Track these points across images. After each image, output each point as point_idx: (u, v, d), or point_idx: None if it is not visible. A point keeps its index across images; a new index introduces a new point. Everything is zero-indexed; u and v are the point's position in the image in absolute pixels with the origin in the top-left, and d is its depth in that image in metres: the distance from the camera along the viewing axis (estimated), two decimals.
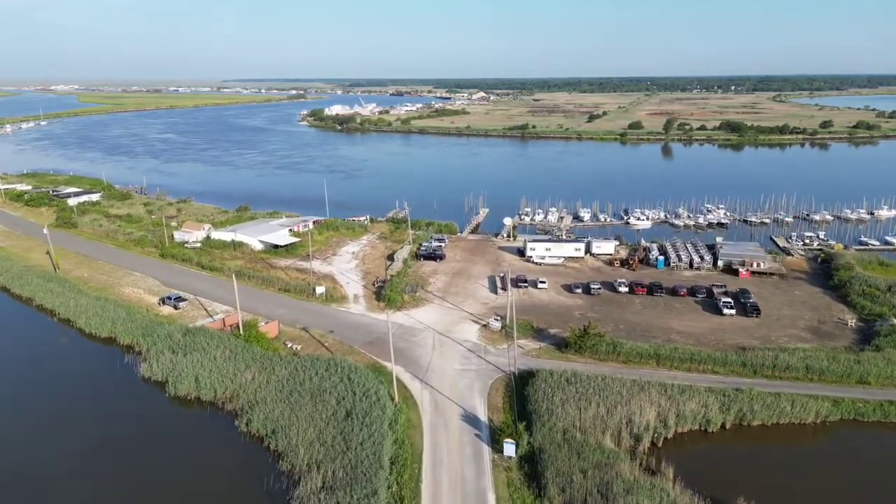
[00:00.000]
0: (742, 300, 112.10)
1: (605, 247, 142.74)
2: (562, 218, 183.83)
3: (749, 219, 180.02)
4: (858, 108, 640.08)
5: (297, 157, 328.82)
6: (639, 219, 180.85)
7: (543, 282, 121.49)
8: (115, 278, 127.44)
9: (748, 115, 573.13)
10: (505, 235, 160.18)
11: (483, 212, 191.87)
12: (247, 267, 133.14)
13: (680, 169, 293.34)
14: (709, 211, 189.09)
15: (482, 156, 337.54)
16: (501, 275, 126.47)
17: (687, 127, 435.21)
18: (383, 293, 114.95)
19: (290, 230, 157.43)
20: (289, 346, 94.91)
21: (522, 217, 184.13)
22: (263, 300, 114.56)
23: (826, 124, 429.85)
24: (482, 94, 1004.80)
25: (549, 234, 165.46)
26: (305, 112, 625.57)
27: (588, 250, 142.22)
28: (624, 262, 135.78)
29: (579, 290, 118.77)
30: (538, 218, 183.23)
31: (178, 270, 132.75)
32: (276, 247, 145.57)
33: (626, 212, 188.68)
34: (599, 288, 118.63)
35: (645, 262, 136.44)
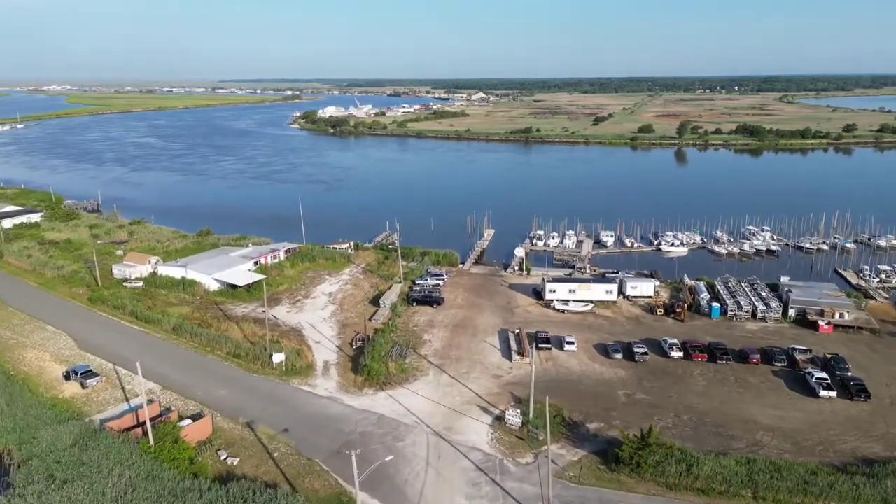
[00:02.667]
0: (838, 373, 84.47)
1: (643, 287, 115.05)
2: (581, 242, 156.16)
3: (803, 244, 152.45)
4: (873, 110, 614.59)
5: (277, 164, 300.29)
6: (672, 245, 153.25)
7: (571, 342, 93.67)
8: (22, 335, 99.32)
9: (759, 116, 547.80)
10: (516, 268, 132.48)
11: (488, 234, 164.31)
12: (193, 317, 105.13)
13: (702, 178, 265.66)
14: (752, 234, 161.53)
15: (484, 163, 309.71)
16: (516, 330, 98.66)
17: (701, 130, 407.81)
18: (362, 361, 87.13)
19: (256, 262, 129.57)
20: (222, 457, 67.05)
21: (535, 242, 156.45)
22: (203, 372, 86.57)
23: (850, 128, 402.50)
24: (481, 94, 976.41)
25: (567, 264, 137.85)
26: (298, 114, 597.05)
27: (621, 291, 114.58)
28: (669, 310, 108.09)
29: (619, 355, 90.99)
30: (553, 242, 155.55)
31: (105, 323, 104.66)
32: (235, 287, 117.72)
33: (655, 235, 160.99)
34: (645, 353, 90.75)
35: (695, 309, 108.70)
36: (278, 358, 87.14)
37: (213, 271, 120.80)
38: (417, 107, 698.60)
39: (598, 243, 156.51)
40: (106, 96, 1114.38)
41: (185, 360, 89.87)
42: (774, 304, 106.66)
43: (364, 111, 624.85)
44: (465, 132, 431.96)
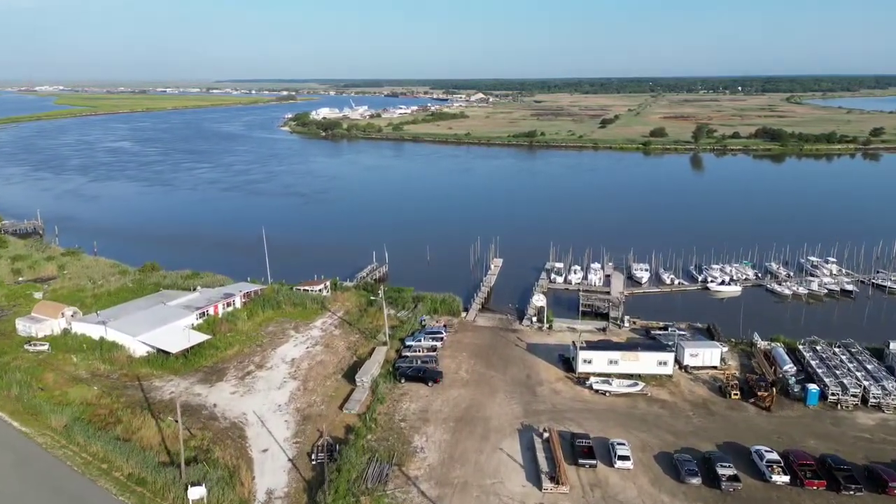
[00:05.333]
0: None
1: (706, 355, 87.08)
2: (609, 278, 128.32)
3: (882, 283, 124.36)
4: (890, 112, 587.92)
5: (255, 172, 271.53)
6: (722, 282, 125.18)
7: (625, 456, 65.40)
8: None
9: (772, 118, 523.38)
10: (534, 320, 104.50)
11: (495, 265, 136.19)
12: (99, 405, 76.85)
13: (732, 190, 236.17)
14: (814, 266, 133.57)
15: (487, 172, 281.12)
16: (545, 433, 70.40)
17: (717, 134, 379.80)
18: (321, 497, 58.98)
19: (203, 314, 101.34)
20: None
21: (553, 277, 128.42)
22: None
23: (877, 132, 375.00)
24: (480, 95, 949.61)
25: (597, 310, 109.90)
26: (289, 116, 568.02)
27: (678, 361, 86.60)
28: (748, 391, 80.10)
29: (695, 479, 62.70)
30: (575, 277, 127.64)
31: None
32: (168, 354, 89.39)
33: (699, 269, 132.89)
34: (735, 476, 62.50)
35: (782, 390, 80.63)
36: (197, 493, 58.86)
37: (140, 330, 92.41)
38: (415, 108, 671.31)
39: (630, 279, 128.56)
40: (96, 97, 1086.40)
41: (64, 493, 61.61)
42: (890, 384, 78.69)
43: (359, 112, 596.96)
44: (464, 136, 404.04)
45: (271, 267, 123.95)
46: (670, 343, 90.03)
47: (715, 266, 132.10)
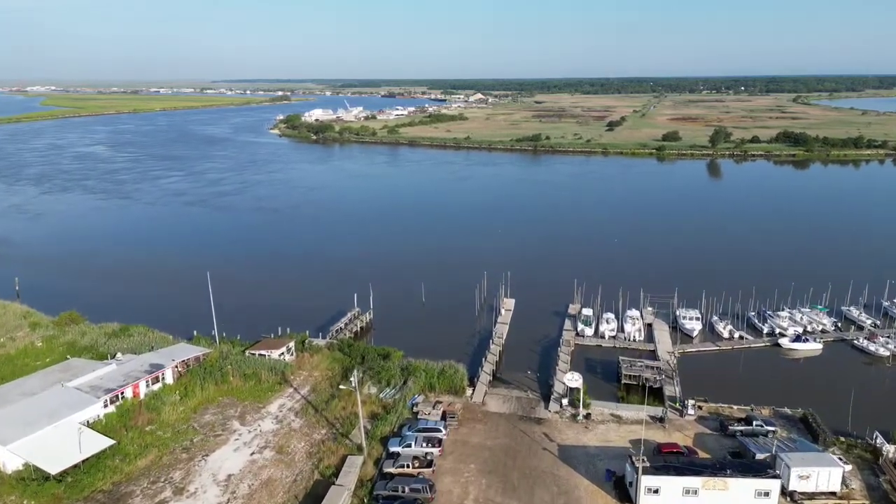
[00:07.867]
0: None
1: (821, 476, 60.37)
2: (650, 327, 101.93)
3: None
4: None
5: (228, 182, 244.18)
6: (797, 336, 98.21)
7: None
8: None
9: (784, 120, 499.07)
10: (564, 403, 77.79)
11: (506, 308, 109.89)
12: None
13: (767, 202, 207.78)
14: None
15: (489, 181, 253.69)
16: None
17: (735, 138, 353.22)
18: None
19: (116, 397, 74.50)
20: None
21: (581, 328, 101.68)
22: None
23: None
24: (479, 95, 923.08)
25: (646, 384, 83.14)
26: (280, 118, 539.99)
27: (783, 489, 59.83)
28: None
29: None
30: (608, 328, 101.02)
31: None
32: (48, 477, 62.56)
33: (762, 316, 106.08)
34: None
35: None
36: None
37: (14, 433, 65.37)
38: (412, 109, 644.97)
39: (678, 329, 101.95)
40: (86, 97, 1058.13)
41: None
42: None
43: (353, 114, 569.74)
44: (464, 140, 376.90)
45: (223, 317, 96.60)
46: (765, 453, 63.51)
47: (782, 313, 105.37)
